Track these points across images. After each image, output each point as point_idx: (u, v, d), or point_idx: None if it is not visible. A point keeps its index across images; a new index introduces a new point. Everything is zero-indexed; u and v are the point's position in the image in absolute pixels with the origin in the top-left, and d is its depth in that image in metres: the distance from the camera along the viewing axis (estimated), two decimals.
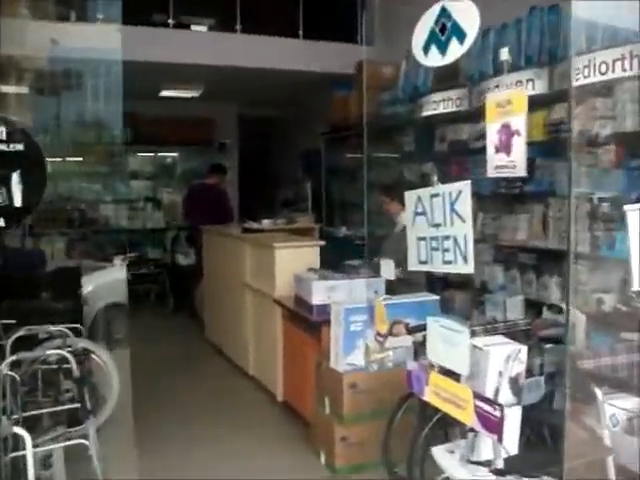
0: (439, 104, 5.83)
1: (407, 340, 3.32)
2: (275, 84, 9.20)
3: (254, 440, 4.28)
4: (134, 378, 5.50)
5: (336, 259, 5.65)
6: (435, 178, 2.85)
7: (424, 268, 2.91)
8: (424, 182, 6.78)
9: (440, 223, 2.75)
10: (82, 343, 4.10)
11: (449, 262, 2.67)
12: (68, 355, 3.21)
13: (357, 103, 7.72)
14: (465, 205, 2.72)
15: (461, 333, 2.26)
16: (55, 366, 3.65)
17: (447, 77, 5.67)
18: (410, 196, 3.05)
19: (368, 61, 7.56)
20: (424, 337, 2.79)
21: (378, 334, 2.79)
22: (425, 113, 6.08)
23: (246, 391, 5.22)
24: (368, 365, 2.68)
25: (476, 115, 5.57)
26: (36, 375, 3.78)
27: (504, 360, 2.39)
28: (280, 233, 5.58)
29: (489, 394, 2.38)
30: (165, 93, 9.44)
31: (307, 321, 3.97)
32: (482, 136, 5.76)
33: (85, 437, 3.23)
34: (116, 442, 4.15)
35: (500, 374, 2.40)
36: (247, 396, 5.13)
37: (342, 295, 3.94)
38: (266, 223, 6.75)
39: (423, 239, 2.84)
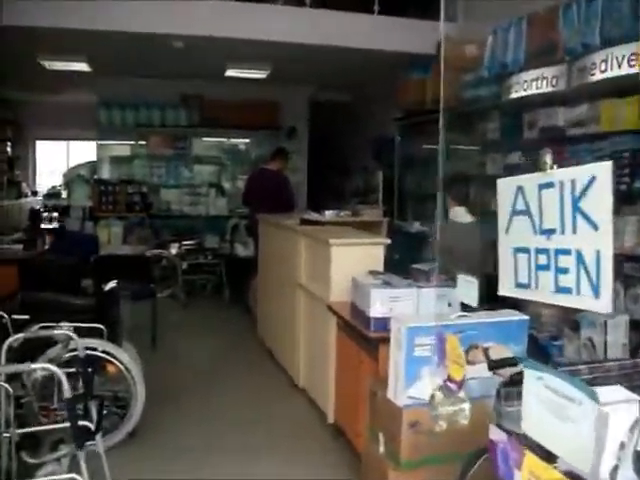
0: (531, 84, 5.02)
1: (486, 369, 2.63)
2: (347, 65, 8.51)
3: (297, 469, 3.65)
4: (172, 379, 5.01)
5: (407, 258, 4.96)
6: (548, 160, 2.05)
7: (524, 295, 2.05)
8: (508, 174, 5.97)
9: (554, 229, 1.86)
10: (103, 346, 3.57)
11: (566, 290, 1.79)
12: (55, 369, 2.65)
13: (436, 86, 6.97)
14: (600, 202, 1.81)
15: (583, 405, 1.43)
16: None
17: (542, 52, 4.87)
18: (505, 186, 2.23)
19: (448, 38, 6.77)
20: (512, 378, 2.08)
21: (449, 380, 2.08)
22: (513, 95, 5.28)
23: (294, 406, 4.59)
24: (434, 420, 1.98)
25: (576, 96, 4.78)
26: (45, 384, 3.28)
27: (630, 427, 1.65)
28: (342, 227, 4.90)
29: (604, 475, 1.64)
30: (231, 73, 8.89)
31: (363, 336, 3.30)
32: (582, 122, 4.98)
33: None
34: (137, 460, 3.60)
35: (622, 446, 1.66)
36: (294, 412, 4.49)
37: (407, 307, 3.24)
38: (328, 214, 6.09)
39: (524, 251, 1.97)
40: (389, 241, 4.07)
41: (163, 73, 9.39)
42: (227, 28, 6.99)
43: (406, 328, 2.68)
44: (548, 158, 2.00)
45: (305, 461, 3.75)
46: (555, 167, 2.01)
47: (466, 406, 2.03)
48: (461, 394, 2.03)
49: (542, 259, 1.90)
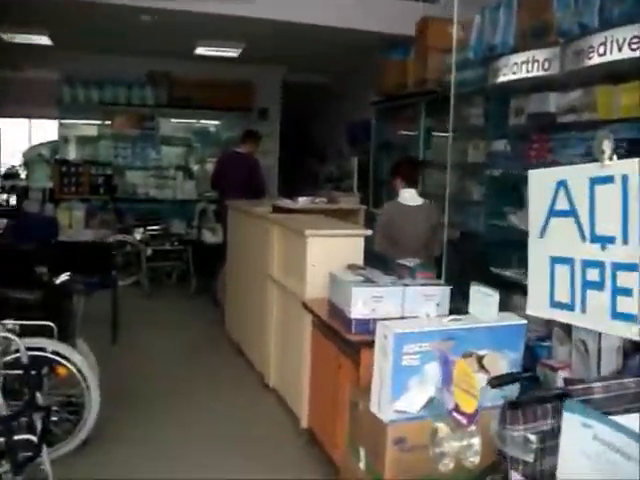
0: (520, 67, 4.73)
1: (481, 380, 2.36)
2: (322, 45, 8.16)
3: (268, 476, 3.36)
4: (132, 378, 4.66)
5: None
6: (607, 147, 1.65)
7: (563, 318, 1.66)
8: (491, 162, 5.75)
9: (612, 237, 1.45)
10: (52, 346, 3.21)
11: (629, 318, 1.43)
12: None
13: (415, 69, 6.66)
14: None
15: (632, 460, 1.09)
16: None
17: (534, 33, 4.57)
18: (539, 179, 1.85)
19: (433, 18, 6.48)
20: (518, 402, 1.79)
21: (457, 411, 1.76)
22: (501, 79, 4.99)
23: (264, 407, 4.28)
24: (436, 459, 1.68)
25: (569, 81, 4.49)
26: None
27: None
28: (317, 216, 4.57)
29: None
30: (201, 51, 8.48)
31: (343, 338, 2.99)
32: (575, 108, 4.72)
33: None
34: (91, 471, 3.26)
35: None
36: (264, 415, 4.18)
37: (392, 308, 2.94)
38: (302, 202, 5.76)
39: (565, 262, 1.59)
40: (370, 232, 3.75)
41: (130, 49, 8.93)
42: (197, 2, 6.58)
43: (393, 335, 2.37)
44: (607, 145, 1.59)
45: (277, 470, 3.44)
46: (615, 157, 1.59)
47: (476, 441, 1.73)
48: (472, 428, 1.73)
49: (593, 274, 1.52)
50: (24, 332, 3.17)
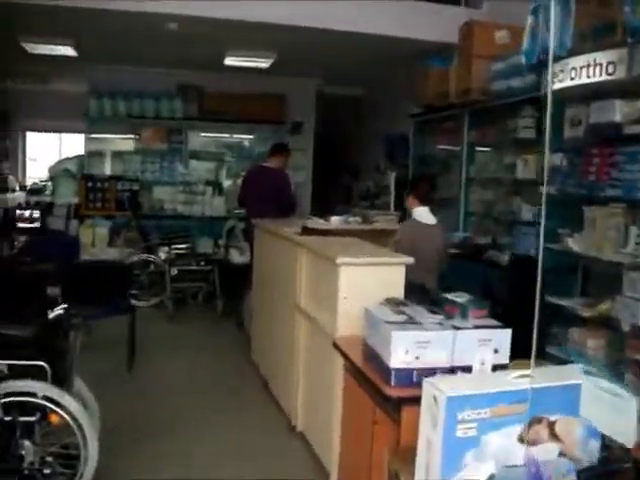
0: (580, 72, 4.20)
1: (552, 451, 1.89)
2: (358, 55, 7.74)
3: None
4: (145, 413, 4.22)
5: None
6: None
7: None
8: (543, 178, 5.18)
9: None
10: (44, 390, 2.78)
11: None
12: None
13: (458, 77, 6.16)
14: None
15: None
16: None
17: (596, 33, 4.06)
18: None
19: (478, 23, 5.98)
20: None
21: None
22: (557, 85, 4.45)
23: (290, 454, 3.80)
24: None
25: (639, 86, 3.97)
26: None
27: None
28: (351, 239, 4.09)
29: None
30: (230, 61, 8.11)
31: (380, 391, 2.50)
32: None
33: None
34: None
35: None
36: (291, 464, 3.70)
37: (440, 355, 2.43)
38: (335, 221, 5.31)
39: None
40: (412, 260, 3.25)
41: (157, 60, 8.62)
42: (225, 8, 6.21)
43: (446, 399, 1.88)
44: None
45: None
46: None
47: None
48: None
49: None
50: (13, 373, 2.76)
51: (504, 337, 2.56)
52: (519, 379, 2.02)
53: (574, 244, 4.51)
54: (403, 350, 2.43)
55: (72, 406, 2.81)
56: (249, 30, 6.75)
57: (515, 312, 4.75)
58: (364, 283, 3.09)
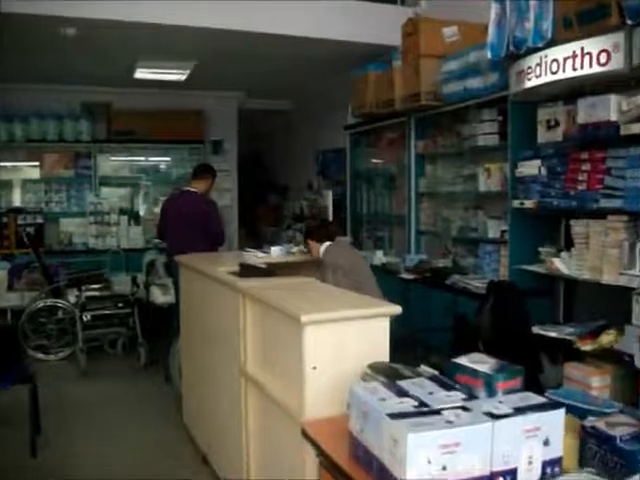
0: (564, 64, 3.54)
1: None
2: (284, 63, 7.01)
3: None
4: None
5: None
6: None
7: None
8: (517, 191, 4.47)
9: None
10: None
11: None
12: None
13: (404, 82, 5.43)
14: None
15: None
16: None
17: (583, 17, 3.41)
18: None
19: (425, 19, 5.30)
20: None
21: None
22: (532, 83, 3.79)
23: None
24: None
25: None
26: None
27: None
28: (306, 280, 3.25)
29: None
30: (141, 74, 7.20)
31: None
32: None
33: None
34: None
35: None
36: None
37: (475, 459, 1.65)
38: (276, 252, 4.51)
39: None
40: (399, 310, 2.44)
41: (57, 75, 7.56)
42: (132, 10, 5.32)
43: None
44: None
45: None
46: None
47: None
48: None
49: None
50: None
51: (556, 421, 1.79)
52: None
53: (561, 265, 3.84)
54: (424, 459, 1.61)
55: None
56: (160, 35, 5.88)
57: (499, 348, 4.00)
58: (339, 345, 2.27)
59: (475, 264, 4.99)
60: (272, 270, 3.32)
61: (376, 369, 2.21)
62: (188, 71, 7.13)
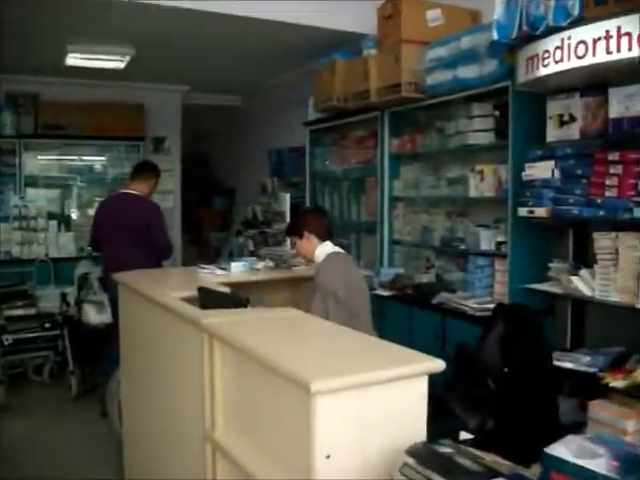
0: (594, 47, 2.94)
1: None
2: (237, 54, 6.27)
3: None
4: None
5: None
6: None
7: None
8: (522, 197, 3.86)
9: None
10: None
11: None
12: None
13: (382, 71, 4.73)
14: None
15: None
16: None
17: None
18: None
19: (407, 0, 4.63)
20: None
21: None
22: (550, 69, 3.18)
23: None
24: None
25: None
26: None
27: None
28: (291, 310, 2.52)
29: None
30: (74, 60, 6.33)
31: None
32: None
33: None
34: None
35: None
36: None
37: None
38: (237, 269, 3.78)
39: None
40: (442, 365, 1.72)
41: None
42: None
43: None
44: None
45: None
46: None
47: None
48: None
49: None
50: None
51: None
52: None
53: (582, 284, 3.25)
54: None
55: None
56: (95, 15, 5.06)
57: (514, 385, 3.34)
58: (362, 422, 1.57)
59: (464, 280, 4.36)
60: (245, 298, 2.58)
61: (419, 457, 1.52)
62: (127, 58, 6.30)
